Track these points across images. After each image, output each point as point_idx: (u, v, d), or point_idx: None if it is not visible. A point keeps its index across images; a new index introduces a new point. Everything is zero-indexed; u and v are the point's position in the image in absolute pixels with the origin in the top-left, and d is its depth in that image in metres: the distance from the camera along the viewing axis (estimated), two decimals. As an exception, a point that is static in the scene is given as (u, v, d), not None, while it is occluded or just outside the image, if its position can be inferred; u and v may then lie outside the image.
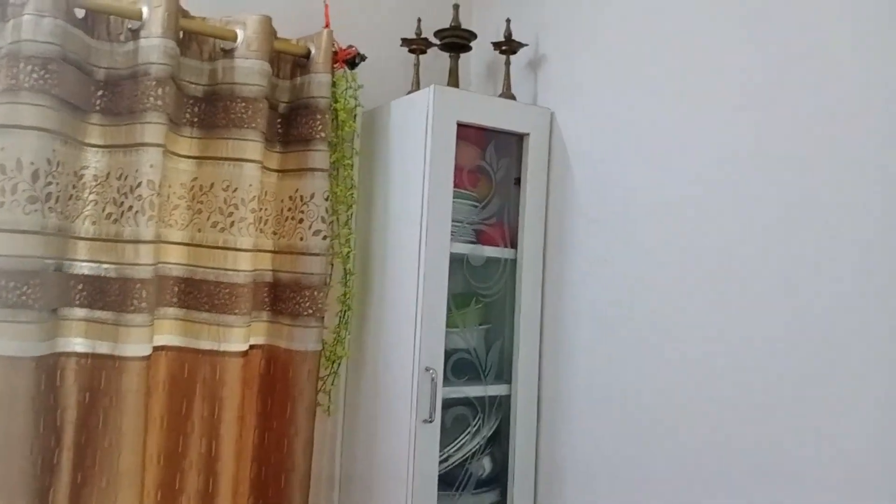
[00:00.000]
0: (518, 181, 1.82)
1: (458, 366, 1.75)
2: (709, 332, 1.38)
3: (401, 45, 1.93)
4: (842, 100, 1.20)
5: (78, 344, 1.54)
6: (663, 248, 1.49)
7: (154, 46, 1.54)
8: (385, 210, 1.82)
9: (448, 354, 1.70)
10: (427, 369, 1.62)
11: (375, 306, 1.82)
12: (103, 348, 1.54)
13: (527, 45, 1.90)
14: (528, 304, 1.77)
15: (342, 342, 1.85)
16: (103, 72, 1.59)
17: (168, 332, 1.68)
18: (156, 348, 1.61)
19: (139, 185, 1.53)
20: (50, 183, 1.46)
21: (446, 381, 1.70)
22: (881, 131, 1.15)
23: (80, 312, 1.56)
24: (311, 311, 1.75)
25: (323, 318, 1.77)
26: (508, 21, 1.88)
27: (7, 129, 1.41)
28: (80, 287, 1.56)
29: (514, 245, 1.80)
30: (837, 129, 1.21)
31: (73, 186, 1.54)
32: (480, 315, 1.83)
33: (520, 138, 1.81)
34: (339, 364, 1.87)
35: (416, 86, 1.91)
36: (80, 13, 1.52)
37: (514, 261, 1.79)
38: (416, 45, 1.92)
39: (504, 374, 1.80)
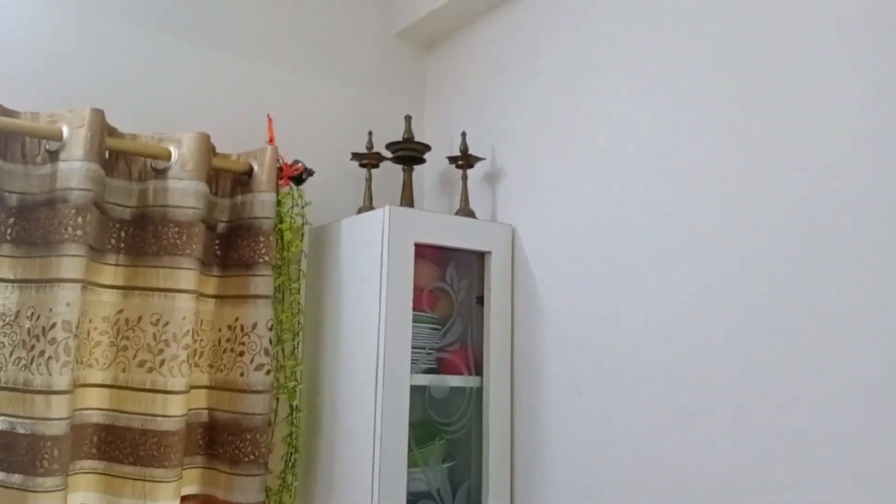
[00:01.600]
0: (480, 300, 1.69)
1: (423, 514, 1.55)
2: (694, 459, 1.24)
3: (351, 159, 1.82)
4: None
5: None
6: (640, 372, 1.36)
7: (74, 170, 1.38)
8: (335, 338, 1.65)
9: (410, 500, 1.51)
10: (388, 525, 1.42)
11: (326, 448, 1.62)
12: (6, 518, 1.30)
13: (483, 158, 1.82)
14: (497, 438, 1.61)
15: (289, 490, 1.63)
16: (16, 197, 1.41)
17: (85, 489, 1.45)
18: (70, 510, 1.38)
19: (53, 326, 1.33)
20: (-57, 328, 1.26)
21: (409, 534, 1.50)
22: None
23: (-21, 476, 1.32)
24: (252, 457, 1.54)
25: (266, 463, 1.56)
26: (464, 135, 1.80)
27: None
28: (-20, 445, 1.33)
29: (479, 372, 1.65)
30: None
31: (-26, 329, 1.34)
32: (444, 451, 1.65)
33: (481, 256, 1.69)
34: (287, 515, 1.64)
35: (369, 201, 1.79)
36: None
37: (480, 389, 1.64)
38: (368, 160, 1.81)
39: (473, 518, 1.61)
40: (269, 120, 1.72)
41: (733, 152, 1.29)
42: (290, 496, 1.64)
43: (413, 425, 1.54)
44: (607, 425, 1.42)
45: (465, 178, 1.79)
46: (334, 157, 1.88)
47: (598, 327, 1.47)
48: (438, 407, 1.63)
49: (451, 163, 1.81)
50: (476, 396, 1.64)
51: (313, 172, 1.74)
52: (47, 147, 1.43)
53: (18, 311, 1.37)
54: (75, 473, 1.43)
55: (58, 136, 1.40)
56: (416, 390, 1.56)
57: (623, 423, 1.39)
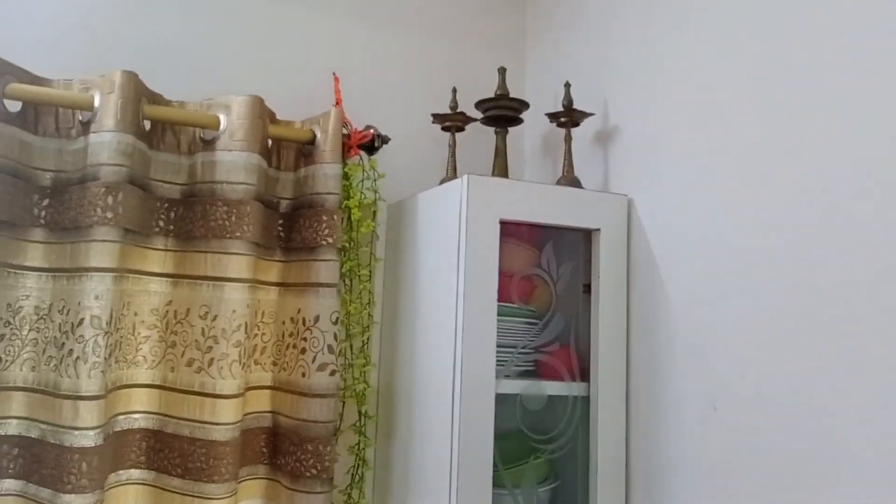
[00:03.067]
0: (588, 289, 1.37)
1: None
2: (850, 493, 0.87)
3: (433, 122, 1.54)
4: None
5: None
6: (790, 386, 1.00)
7: (105, 143, 1.21)
8: (412, 334, 1.40)
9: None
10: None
11: (400, 462, 1.38)
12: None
13: (592, 114, 1.48)
14: (608, 458, 1.29)
15: (358, 507, 1.41)
16: (50, 176, 1.27)
17: (135, 500, 1.29)
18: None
19: (81, 322, 1.17)
20: (-35, 325, 1.13)
21: (497, 575, 1.23)
22: None
23: (11, 485, 1.19)
24: (314, 472, 1.32)
25: (331, 479, 1.34)
26: (567, 86, 1.47)
27: None
28: (14, 452, 1.20)
29: (585, 378, 1.33)
30: None
31: (7, 324, 1.21)
32: (542, 471, 1.35)
33: (587, 235, 1.37)
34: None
35: (453, 171, 1.51)
36: (13, 106, 1.21)
37: (587, 398, 1.33)
38: (451, 121, 1.53)
39: (579, 556, 1.31)
40: (336, 79, 1.48)
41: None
42: (359, 515, 1.41)
43: (502, 439, 1.26)
44: (749, 451, 1.07)
45: (568, 138, 1.47)
46: (415, 122, 1.61)
47: (742, 327, 1.11)
48: (534, 419, 1.34)
49: (551, 121, 1.49)
50: (582, 407, 1.33)
51: (388, 140, 1.49)
52: (80, 118, 1.27)
53: (51, 304, 1.22)
54: (120, 485, 1.28)
55: (89, 106, 1.24)
56: (504, 399, 1.28)
57: (769, 448, 1.03)
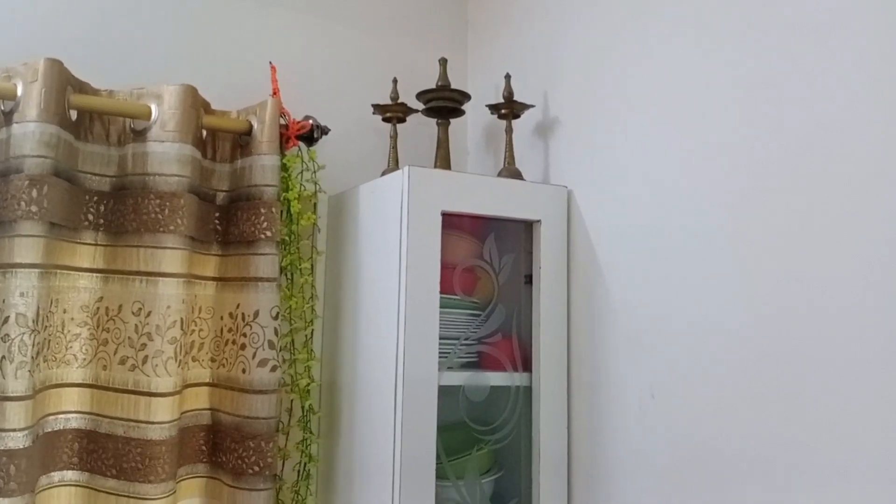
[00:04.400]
0: (529, 280, 1.38)
1: (458, 540, 1.28)
2: (788, 483, 0.90)
3: (373, 113, 1.53)
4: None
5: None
6: (739, 375, 1.03)
7: (28, 134, 1.16)
8: (354, 327, 1.38)
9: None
10: (411, 555, 1.16)
11: (344, 456, 1.37)
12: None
13: (532, 106, 1.49)
14: (551, 448, 1.31)
15: (303, 503, 1.39)
16: (-31, 169, 1.20)
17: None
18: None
19: (6, 320, 1.12)
20: None
21: (441, 566, 1.23)
22: None
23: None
24: (256, 469, 1.30)
25: (274, 476, 1.32)
26: (508, 77, 1.47)
27: None
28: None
29: (527, 368, 1.34)
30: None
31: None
32: (486, 462, 1.36)
33: (528, 226, 1.37)
34: (302, 534, 1.40)
35: (394, 163, 1.50)
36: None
37: (529, 388, 1.34)
38: (392, 112, 1.51)
39: (522, 545, 1.33)
40: (273, 69, 1.45)
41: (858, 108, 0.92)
42: (306, 511, 1.40)
43: (446, 431, 1.27)
44: (686, 437, 1.09)
45: (509, 130, 1.47)
46: (355, 113, 1.59)
47: (680, 316, 1.13)
48: (478, 410, 1.34)
49: (492, 112, 1.49)
50: (524, 397, 1.34)
51: (328, 130, 1.47)
52: (2, 108, 1.21)
53: (-24, 304, 1.17)
54: (52, 487, 1.23)
55: (12, 95, 1.18)
56: (448, 391, 1.28)
57: (709, 437, 1.06)
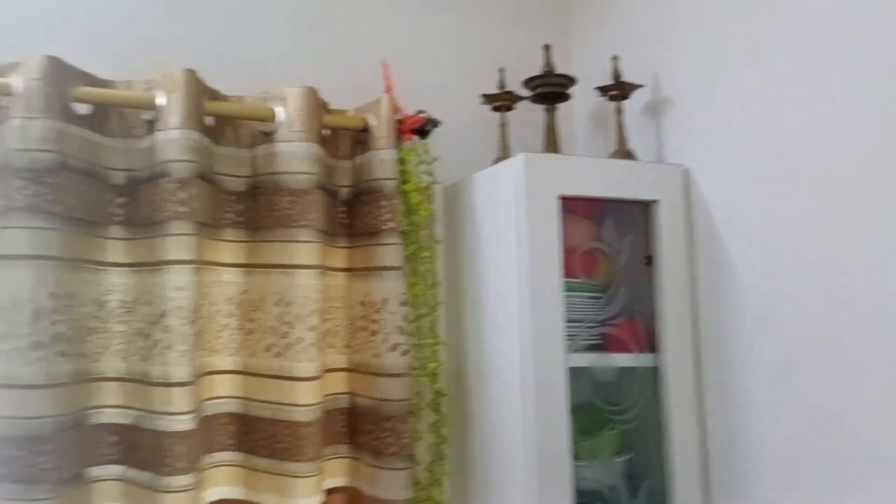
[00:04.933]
0: (648, 261, 1.38)
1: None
2: None
3: (482, 103, 1.56)
4: None
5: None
6: (876, 354, 1.01)
7: (172, 141, 1.24)
8: (477, 313, 1.42)
9: (581, 497, 1.26)
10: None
11: (477, 437, 1.41)
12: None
13: (643, 86, 1.49)
14: (682, 429, 1.31)
15: (438, 483, 1.44)
16: (122, 174, 1.30)
17: (226, 482, 1.34)
18: (212, 504, 1.28)
19: (166, 313, 1.22)
20: (57, 321, 1.17)
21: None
22: None
23: (115, 471, 1.25)
24: (394, 449, 1.36)
25: (411, 456, 1.38)
26: (615, 58, 1.47)
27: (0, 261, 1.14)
28: (112, 440, 1.25)
29: (653, 349, 1.35)
30: None
31: (94, 317, 1.25)
32: (617, 444, 1.37)
33: (646, 207, 1.38)
34: (439, 513, 1.45)
35: (504, 151, 1.53)
36: (82, 108, 1.25)
37: (656, 369, 1.34)
38: (501, 101, 1.54)
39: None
40: (386, 66, 1.49)
41: None
42: (440, 491, 1.44)
43: (575, 412, 1.29)
44: (823, 415, 1.08)
45: (619, 111, 1.47)
46: (464, 104, 1.62)
47: (812, 293, 1.12)
48: (605, 391, 1.36)
49: (601, 94, 1.50)
50: (651, 378, 1.35)
51: (439, 123, 1.51)
52: (144, 117, 1.30)
53: (136, 298, 1.27)
54: (213, 467, 1.32)
55: (151, 105, 1.27)
56: (575, 372, 1.30)
57: (847, 416, 1.04)
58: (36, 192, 1.15)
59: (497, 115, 1.56)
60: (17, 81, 1.18)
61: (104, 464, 1.24)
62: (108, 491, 1.24)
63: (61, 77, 1.21)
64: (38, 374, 1.14)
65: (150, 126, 1.28)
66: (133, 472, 1.23)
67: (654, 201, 1.36)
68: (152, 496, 1.21)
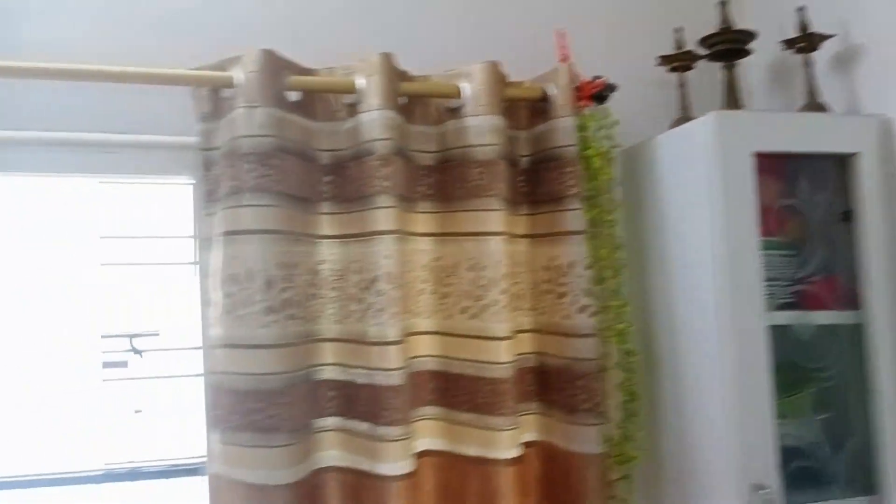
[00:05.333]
0: (846, 216, 1.33)
1: (798, 475, 1.29)
2: None
3: (658, 65, 1.55)
4: None
5: (335, 458, 1.36)
6: None
7: (374, 121, 1.33)
8: (664, 274, 1.43)
9: (783, 455, 1.25)
10: (758, 489, 1.19)
11: (670, 395, 1.43)
12: (361, 464, 1.34)
13: (833, 35, 1.43)
14: (889, 386, 1.27)
15: (630, 440, 1.47)
16: (328, 155, 1.41)
17: (429, 435, 1.44)
18: (419, 454, 1.39)
19: (377, 279, 1.32)
20: (286, 288, 1.30)
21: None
22: None
23: (333, 422, 1.38)
24: (587, 406, 1.40)
25: (603, 412, 1.42)
26: (801, 9, 1.42)
27: (234, 236, 1.28)
28: (331, 394, 1.38)
29: (853, 306, 1.31)
30: None
31: (312, 284, 1.37)
32: (816, 402, 1.35)
33: (841, 161, 1.33)
34: (632, 466, 1.49)
35: (684, 111, 1.52)
36: (292, 96, 1.36)
37: (859, 326, 1.30)
38: (679, 62, 1.53)
39: (863, 483, 1.30)
40: (561, 35, 1.52)
41: None
42: (633, 447, 1.48)
43: (774, 370, 1.28)
44: None
45: (807, 64, 1.43)
46: (639, 66, 1.62)
47: None
48: (803, 350, 1.33)
49: (787, 48, 1.45)
50: (853, 336, 1.31)
51: (616, 87, 1.51)
52: (345, 100, 1.40)
53: (346, 266, 1.38)
54: (420, 419, 1.42)
55: (352, 88, 1.37)
56: (773, 331, 1.28)
57: None
58: (262, 174, 1.27)
59: (674, 76, 1.55)
60: (238, 74, 1.31)
61: (326, 416, 1.37)
62: (330, 440, 1.37)
63: (275, 68, 1.32)
64: (272, 335, 1.27)
65: (351, 109, 1.38)
66: (352, 423, 1.35)
67: (854, 154, 1.31)
68: (371, 444, 1.32)
